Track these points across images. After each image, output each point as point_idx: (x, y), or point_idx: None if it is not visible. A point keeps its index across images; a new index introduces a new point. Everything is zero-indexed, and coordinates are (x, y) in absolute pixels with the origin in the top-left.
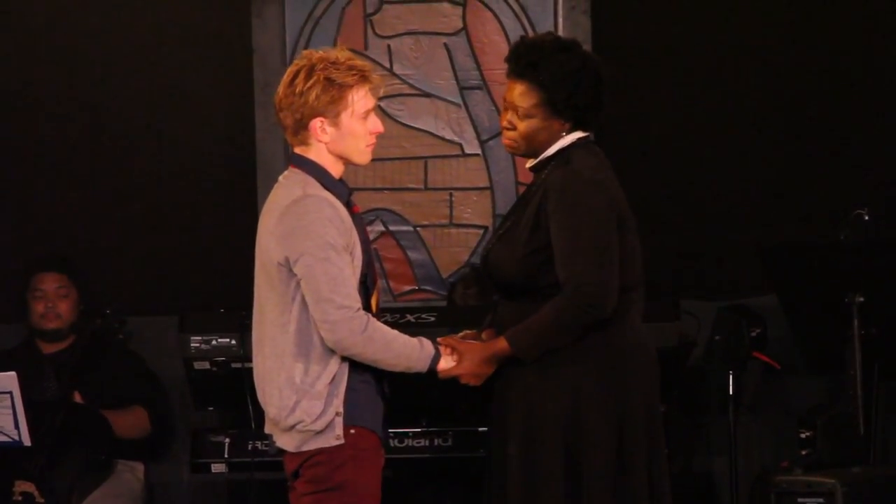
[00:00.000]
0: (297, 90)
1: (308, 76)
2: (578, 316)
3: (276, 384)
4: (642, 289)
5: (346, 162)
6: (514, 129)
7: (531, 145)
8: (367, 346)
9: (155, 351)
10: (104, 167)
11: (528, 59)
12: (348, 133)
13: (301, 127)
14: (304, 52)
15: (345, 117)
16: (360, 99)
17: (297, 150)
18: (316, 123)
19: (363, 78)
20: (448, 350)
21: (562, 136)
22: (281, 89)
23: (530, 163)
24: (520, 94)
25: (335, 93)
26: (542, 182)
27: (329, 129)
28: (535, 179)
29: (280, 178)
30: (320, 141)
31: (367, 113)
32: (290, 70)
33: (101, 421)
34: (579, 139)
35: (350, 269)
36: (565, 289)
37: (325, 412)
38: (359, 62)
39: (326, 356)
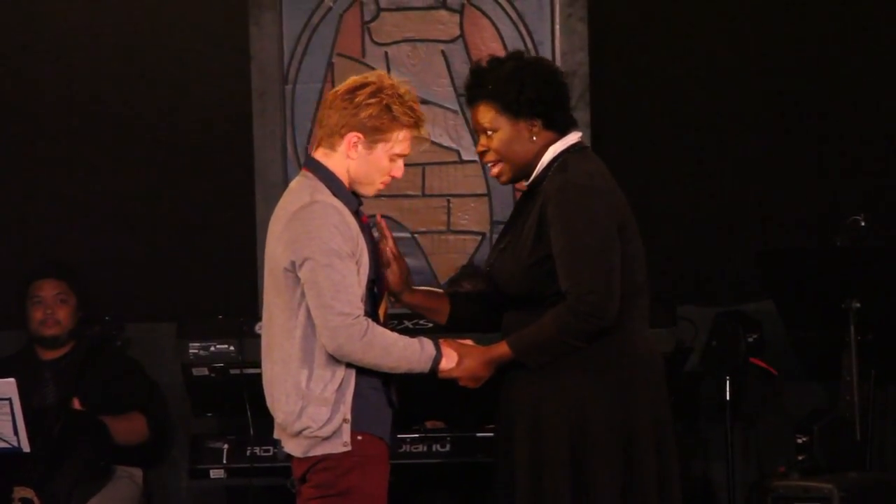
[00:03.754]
0: (356, 100)
1: (372, 94)
2: (580, 325)
3: (283, 390)
4: (646, 294)
5: (355, 186)
6: (489, 150)
7: (514, 163)
8: (366, 353)
9: (153, 357)
10: (103, 174)
11: (473, 82)
12: (374, 163)
13: (337, 133)
14: (378, 73)
15: (380, 148)
16: (402, 141)
17: (319, 153)
18: (353, 137)
19: (416, 125)
20: (449, 350)
21: (534, 142)
22: (341, 90)
23: (525, 184)
24: (479, 115)
25: (386, 122)
26: (541, 191)
27: (361, 149)
28: (533, 191)
29: (292, 182)
30: (348, 156)
31: (399, 156)
32: (358, 79)
33: (99, 427)
34: (572, 145)
35: (354, 277)
36: (567, 298)
37: (332, 418)
38: (419, 108)
39: (332, 362)
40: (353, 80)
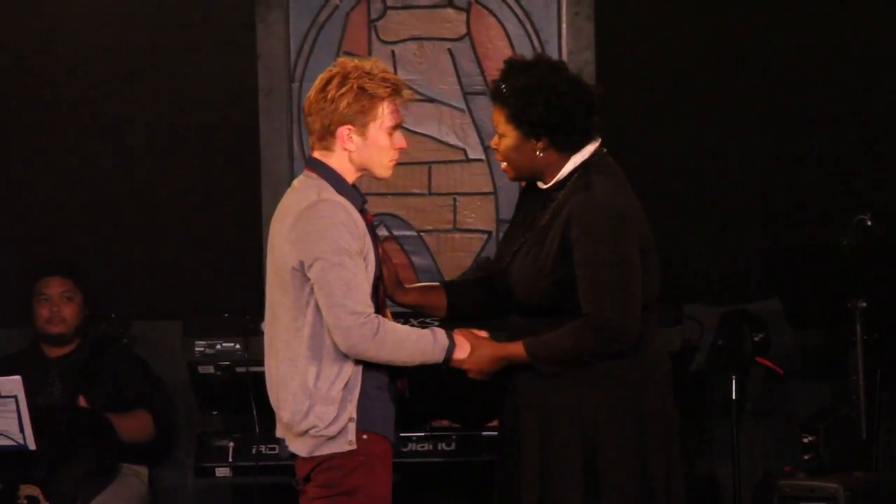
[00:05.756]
0: (329, 96)
1: (341, 83)
2: (600, 346)
3: (289, 389)
4: (657, 302)
5: (367, 174)
6: (498, 149)
7: (517, 167)
8: (380, 350)
9: (159, 355)
10: (108, 171)
11: (500, 78)
12: (374, 144)
13: (328, 133)
14: (339, 60)
15: (372, 128)
16: (390, 112)
17: (318, 154)
18: (343, 131)
19: (395, 91)
20: (462, 340)
21: (538, 157)
22: (312, 94)
23: (540, 185)
24: (494, 115)
25: (366, 103)
26: (561, 203)
27: (356, 138)
28: (551, 196)
29: (294, 181)
30: (345, 149)
31: (394, 127)
32: (323, 76)
33: (105, 425)
34: (593, 153)
35: (363, 275)
36: (588, 320)
37: (338, 417)
38: (391, 75)
39: (340, 360)
40: (318, 79)
